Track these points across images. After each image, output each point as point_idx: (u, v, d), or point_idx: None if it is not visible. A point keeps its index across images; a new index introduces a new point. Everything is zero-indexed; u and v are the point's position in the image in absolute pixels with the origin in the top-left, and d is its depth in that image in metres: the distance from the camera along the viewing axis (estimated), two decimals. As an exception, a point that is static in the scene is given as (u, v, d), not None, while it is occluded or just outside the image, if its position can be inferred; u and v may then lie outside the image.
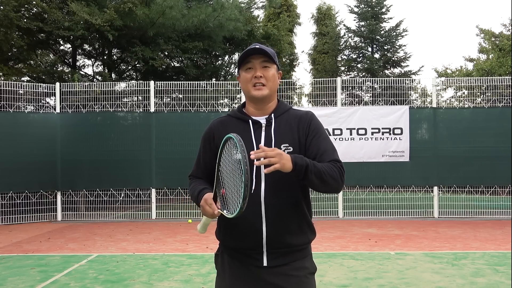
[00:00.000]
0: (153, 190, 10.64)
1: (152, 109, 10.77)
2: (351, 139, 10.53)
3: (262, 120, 1.99)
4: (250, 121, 1.99)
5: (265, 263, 1.90)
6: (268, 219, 1.89)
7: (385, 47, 22.62)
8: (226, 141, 1.80)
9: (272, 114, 2.00)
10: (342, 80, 11.16)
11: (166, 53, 14.95)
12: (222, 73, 17.65)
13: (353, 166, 10.13)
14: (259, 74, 1.95)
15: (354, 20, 23.83)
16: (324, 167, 1.83)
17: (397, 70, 22.92)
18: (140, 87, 11.36)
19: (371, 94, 13.18)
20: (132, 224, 10.10)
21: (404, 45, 26.24)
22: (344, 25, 25.14)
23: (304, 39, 63.78)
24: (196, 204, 1.99)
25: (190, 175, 2.15)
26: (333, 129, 10.47)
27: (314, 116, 2.04)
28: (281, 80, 2.10)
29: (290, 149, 1.92)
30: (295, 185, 1.93)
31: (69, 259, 6.46)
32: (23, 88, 10.90)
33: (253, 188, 1.90)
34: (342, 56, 24.58)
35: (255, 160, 1.73)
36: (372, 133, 10.53)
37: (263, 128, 1.97)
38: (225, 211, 1.80)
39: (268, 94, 1.97)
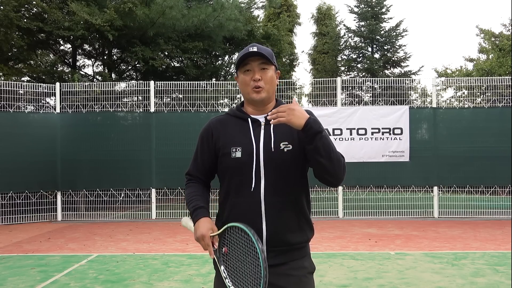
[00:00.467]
0: (153, 190, 10.64)
1: (152, 109, 10.77)
2: (351, 139, 10.53)
3: (261, 118, 1.99)
4: (249, 119, 2.00)
5: (265, 261, 1.91)
6: (268, 218, 1.89)
7: (385, 47, 22.62)
8: (251, 236, 1.74)
9: None
10: (342, 80, 11.16)
11: (166, 53, 14.95)
12: (222, 73, 17.66)
13: (353, 166, 10.12)
14: (258, 77, 1.95)
15: (354, 20, 23.86)
16: (334, 148, 1.86)
17: (397, 70, 22.93)
18: (140, 87, 11.36)
19: (371, 94, 13.18)
20: (132, 224, 10.10)
21: (404, 45, 26.29)
22: (344, 25, 25.18)
23: (304, 39, 63.85)
24: (190, 216, 2.00)
25: (187, 174, 2.14)
26: (333, 129, 10.46)
27: (313, 114, 2.04)
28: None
29: (289, 147, 1.92)
30: (296, 183, 1.94)
31: (69, 259, 6.46)
32: (23, 88, 10.90)
33: (252, 187, 1.90)
34: (342, 56, 24.59)
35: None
36: (372, 133, 10.53)
37: (262, 127, 1.97)
38: (222, 267, 1.82)
39: (266, 96, 1.98)
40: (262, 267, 1.65)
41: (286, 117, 1.77)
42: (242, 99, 2.11)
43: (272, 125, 1.97)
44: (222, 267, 1.81)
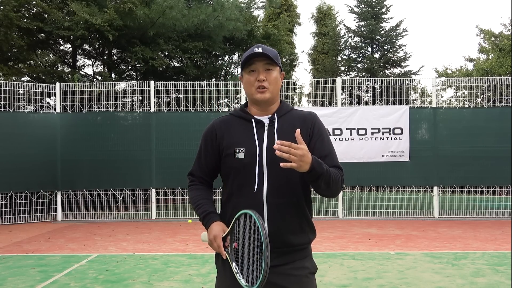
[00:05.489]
0: (153, 190, 10.63)
1: (152, 109, 10.77)
2: (351, 139, 10.53)
3: (265, 119, 2.00)
4: (253, 120, 1.99)
5: (266, 262, 1.90)
6: (270, 218, 1.90)
7: (385, 47, 22.61)
8: (253, 215, 1.75)
9: (275, 114, 2.00)
10: (342, 80, 11.16)
11: (166, 53, 14.95)
12: (222, 73, 17.65)
13: (353, 166, 10.12)
14: (262, 77, 1.95)
15: (354, 20, 23.84)
16: (333, 174, 1.86)
17: (397, 70, 22.92)
18: (140, 87, 11.36)
19: (371, 94, 13.18)
20: (132, 224, 10.10)
21: (404, 45, 26.27)
22: (344, 25, 25.15)
23: (304, 39, 63.82)
24: (199, 220, 2.00)
25: (190, 174, 2.13)
26: (333, 129, 10.46)
27: (317, 117, 2.05)
28: (282, 80, 2.10)
29: None
30: (298, 184, 1.95)
31: (69, 259, 6.46)
32: (23, 88, 10.90)
33: (255, 188, 1.90)
34: (342, 56, 24.57)
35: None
36: (372, 133, 10.53)
37: (266, 128, 1.97)
38: (234, 263, 1.81)
39: (270, 97, 1.98)
40: (263, 242, 1.65)
41: (297, 164, 1.70)
42: (243, 100, 2.11)
43: (275, 126, 1.97)
44: (234, 264, 1.81)
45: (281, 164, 1.71)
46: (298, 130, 1.77)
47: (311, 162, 1.74)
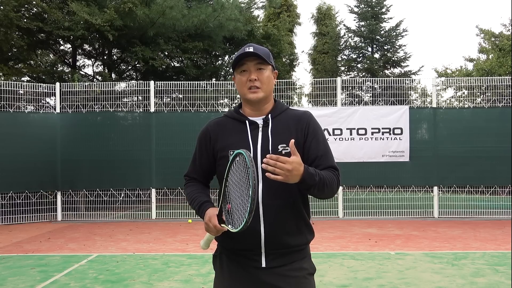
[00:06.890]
0: (153, 190, 10.63)
1: (152, 109, 10.77)
2: (351, 139, 10.53)
3: (259, 120, 1.98)
4: (247, 121, 1.98)
5: (263, 264, 1.90)
6: (267, 220, 1.88)
7: (385, 47, 22.63)
8: (235, 156, 1.78)
9: (269, 115, 1.99)
10: (342, 80, 11.15)
11: (166, 53, 14.96)
12: (222, 73, 17.66)
13: (353, 166, 10.11)
14: (254, 77, 1.94)
15: (354, 20, 23.90)
16: (327, 180, 1.84)
17: (397, 70, 22.95)
18: (140, 87, 11.36)
19: (371, 94, 13.17)
20: (132, 224, 10.10)
21: (404, 45, 26.28)
22: (344, 25, 25.19)
23: (304, 39, 63.84)
24: (196, 213, 1.99)
25: (186, 175, 2.14)
26: (333, 129, 10.46)
27: (312, 116, 2.03)
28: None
29: (287, 149, 1.91)
30: (294, 186, 1.92)
31: (69, 259, 6.46)
32: (23, 88, 10.90)
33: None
34: (342, 56, 24.60)
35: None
36: (372, 133, 10.53)
37: (260, 129, 1.96)
38: (229, 226, 1.78)
39: (263, 96, 1.97)
40: (249, 164, 1.65)
41: (284, 178, 1.70)
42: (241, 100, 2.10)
43: (270, 127, 1.96)
44: (230, 226, 1.78)
45: (266, 174, 1.71)
46: (292, 141, 1.74)
47: (301, 175, 1.73)
